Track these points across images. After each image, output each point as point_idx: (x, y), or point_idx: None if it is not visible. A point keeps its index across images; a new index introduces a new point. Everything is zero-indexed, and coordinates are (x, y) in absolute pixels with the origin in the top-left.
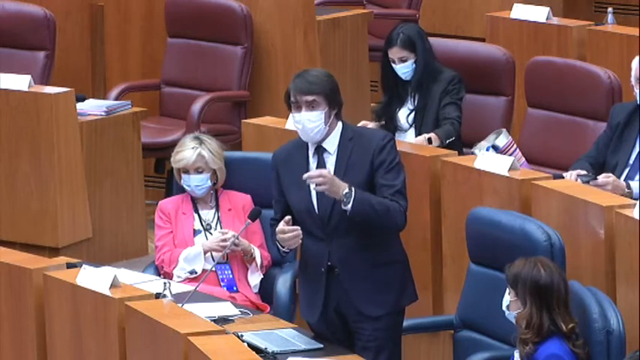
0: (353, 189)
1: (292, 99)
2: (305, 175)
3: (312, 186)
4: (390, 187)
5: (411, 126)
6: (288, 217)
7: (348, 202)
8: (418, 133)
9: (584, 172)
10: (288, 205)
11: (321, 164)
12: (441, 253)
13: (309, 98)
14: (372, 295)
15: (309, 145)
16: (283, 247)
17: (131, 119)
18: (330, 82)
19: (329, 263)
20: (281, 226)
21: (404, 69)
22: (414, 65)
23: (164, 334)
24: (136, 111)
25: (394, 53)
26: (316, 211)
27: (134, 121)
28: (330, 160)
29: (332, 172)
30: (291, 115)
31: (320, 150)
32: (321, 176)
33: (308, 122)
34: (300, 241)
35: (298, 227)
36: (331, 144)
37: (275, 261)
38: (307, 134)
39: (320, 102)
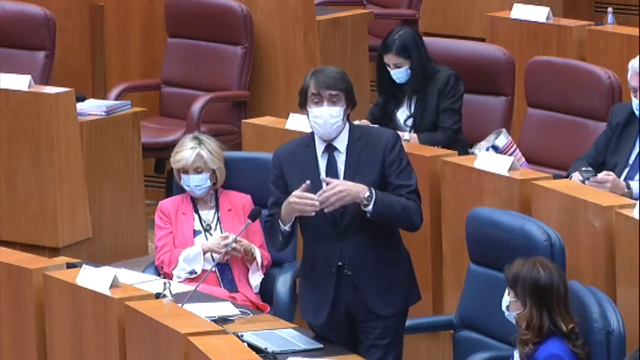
0: (373, 191)
1: (314, 91)
2: (321, 201)
3: (330, 208)
4: (406, 186)
5: (410, 129)
6: (308, 183)
7: (369, 204)
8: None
9: (585, 168)
10: None
11: (331, 163)
12: (441, 253)
13: (333, 92)
14: (383, 293)
15: (318, 144)
16: (286, 225)
17: (131, 119)
18: (349, 81)
19: (339, 263)
20: (298, 192)
21: (398, 74)
22: (408, 71)
23: (164, 334)
24: (136, 111)
25: (389, 59)
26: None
27: (134, 121)
28: (341, 159)
29: (342, 170)
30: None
31: (330, 148)
32: (338, 192)
33: (330, 117)
34: (313, 214)
35: (314, 196)
36: (341, 143)
37: (275, 261)
38: (327, 129)
39: (341, 98)
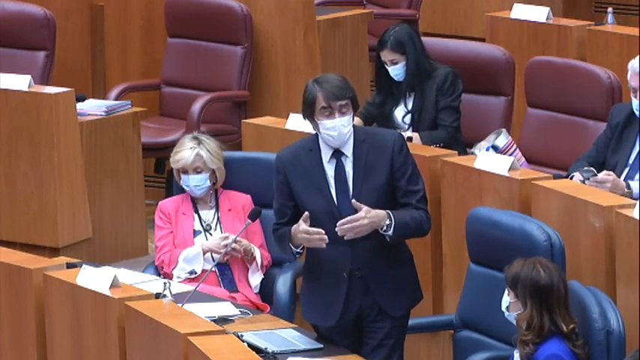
0: (392, 217)
1: (324, 104)
2: (344, 233)
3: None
4: (415, 193)
5: (409, 127)
6: (307, 214)
7: (389, 230)
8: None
9: (587, 168)
10: (298, 209)
11: (339, 168)
12: (441, 253)
13: (343, 102)
14: (394, 295)
15: (324, 149)
16: (297, 248)
17: (131, 119)
18: (352, 86)
19: (351, 267)
20: (304, 226)
21: (395, 71)
22: (405, 67)
23: (164, 334)
24: (136, 111)
25: (385, 56)
26: (340, 214)
27: (134, 121)
28: (348, 164)
29: (351, 174)
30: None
31: (338, 154)
32: (361, 226)
33: (342, 128)
34: (325, 245)
35: (322, 231)
36: (347, 147)
37: (275, 261)
38: (341, 140)
39: (349, 106)
